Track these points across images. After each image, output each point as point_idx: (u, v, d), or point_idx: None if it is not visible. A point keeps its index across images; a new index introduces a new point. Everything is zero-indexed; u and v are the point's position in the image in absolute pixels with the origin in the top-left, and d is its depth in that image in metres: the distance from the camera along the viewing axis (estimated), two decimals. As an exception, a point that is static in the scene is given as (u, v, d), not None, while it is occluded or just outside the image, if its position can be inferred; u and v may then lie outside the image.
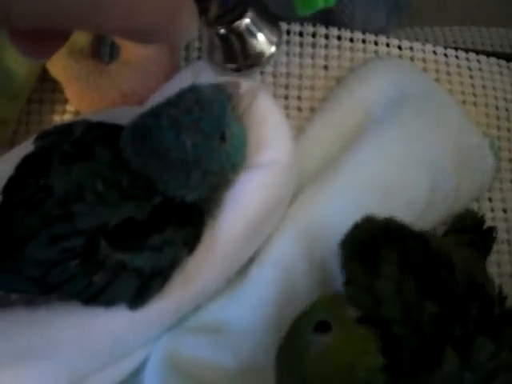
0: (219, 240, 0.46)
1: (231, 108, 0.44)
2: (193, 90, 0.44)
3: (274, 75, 0.57)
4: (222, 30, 0.46)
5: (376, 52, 0.58)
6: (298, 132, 0.54)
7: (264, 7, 0.47)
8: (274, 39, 0.48)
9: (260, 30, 0.47)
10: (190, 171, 0.42)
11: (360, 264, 0.41)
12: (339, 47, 0.58)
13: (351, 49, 0.58)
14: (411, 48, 0.60)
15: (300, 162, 0.50)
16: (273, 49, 0.48)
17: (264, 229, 0.47)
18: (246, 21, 0.46)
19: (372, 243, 0.42)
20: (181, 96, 0.44)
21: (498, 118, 0.59)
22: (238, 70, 0.48)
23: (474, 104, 0.59)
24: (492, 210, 0.56)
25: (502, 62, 0.62)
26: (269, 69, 0.56)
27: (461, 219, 0.52)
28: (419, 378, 0.36)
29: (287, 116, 0.53)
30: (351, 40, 0.58)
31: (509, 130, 0.60)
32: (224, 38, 0.47)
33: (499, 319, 0.39)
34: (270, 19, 0.48)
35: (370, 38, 0.59)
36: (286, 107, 0.56)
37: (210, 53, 0.49)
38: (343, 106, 0.55)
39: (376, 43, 0.59)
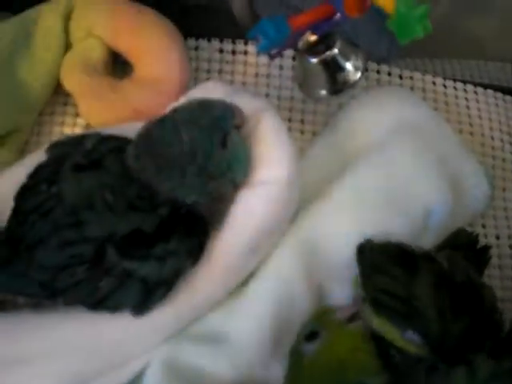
0: (222, 253, 0.47)
1: (234, 120, 0.46)
2: (200, 100, 0.46)
3: (279, 98, 0.59)
4: (314, 60, 0.50)
5: (378, 80, 0.61)
6: (300, 153, 0.56)
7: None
8: (360, 66, 0.51)
9: (347, 59, 0.51)
10: (185, 167, 0.44)
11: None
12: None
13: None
14: (411, 77, 0.62)
15: (301, 181, 0.52)
16: (358, 75, 0.52)
17: (266, 244, 0.49)
18: (335, 51, 0.51)
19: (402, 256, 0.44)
20: (187, 104, 0.46)
21: (493, 148, 0.62)
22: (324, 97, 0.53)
23: (471, 133, 0.61)
24: (485, 236, 0.58)
25: (498, 95, 0.64)
26: (274, 92, 0.58)
27: (455, 236, 0.54)
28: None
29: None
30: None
31: (503, 159, 0.62)
32: (314, 67, 0.51)
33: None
34: (356, 47, 0.51)
35: (373, 66, 0.61)
36: (289, 129, 0.58)
37: (301, 80, 0.53)
38: (344, 129, 0.57)
39: (378, 72, 0.61)
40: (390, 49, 0.66)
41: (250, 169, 0.49)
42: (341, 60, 0.51)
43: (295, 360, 0.43)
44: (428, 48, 0.68)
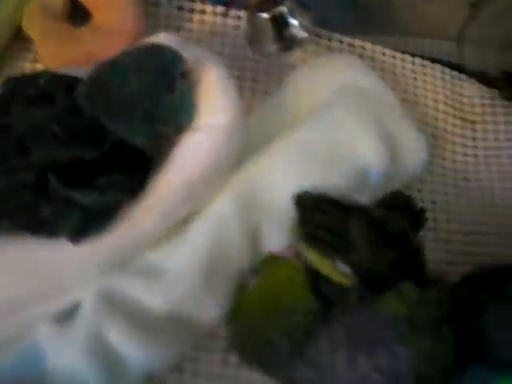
0: (163, 191, 0.50)
1: (181, 67, 0.49)
2: (149, 45, 0.48)
3: (233, 57, 0.61)
4: (262, 15, 0.53)
5: (328, 47, 0.63)
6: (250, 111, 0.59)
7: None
8: (307, 26, 0.54)
9: (295, 17, 0.54)
10: (133, 109, 0.46)
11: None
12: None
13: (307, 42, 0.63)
14: (362, 47, 0.65)
15: (246, 131, 0.54)
16: (305, 34, 0.56)
17: (206, 185, 0.51)
18: (283, 8, 0.54)
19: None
20: (136, 49, 0.49)
21: (435, 119, 0.64)
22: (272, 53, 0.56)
23: (415, 103, 0.64)
24: (422, 200, 0.61)
25: (446, 70, 0.68)
26: (228, 50, 0.61)
27: (392, 197, 0.56)
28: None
29: (240, 96, 0.57)
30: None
31: (445, 130, 0.64)
32: (263, 23, 0.54)
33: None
34: (305, 8, 0.54)
35: (325, 34, 0.64)
36: (241, 88, 0.60)
37: (250, 37, 0.57)
38: (294, 90, 0.60)
39: (329, 39, 0.64)
40: (343, 17, 0.69)
41: (195, 114, 0.51)
42: (289, 17, 0.53)
43: (238, 293, 0.45)
44: (383, 26, 0.71)
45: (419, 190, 0.61)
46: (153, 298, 0.49)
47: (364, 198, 0.56)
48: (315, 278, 0.42)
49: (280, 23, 0.54)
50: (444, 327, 0.39)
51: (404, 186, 0.59)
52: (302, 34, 0.55)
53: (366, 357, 0.38)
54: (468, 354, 0.43)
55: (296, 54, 0.62)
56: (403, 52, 0.66)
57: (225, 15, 0.61)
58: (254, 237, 0.52)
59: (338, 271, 0.41)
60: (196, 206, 0.52)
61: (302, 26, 0.54)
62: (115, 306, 0.48)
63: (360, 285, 0.41)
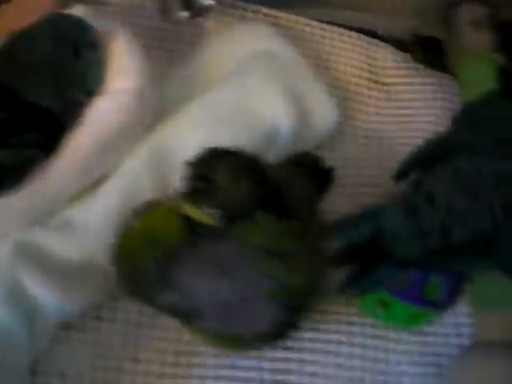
0: (75, 151, 0.54)
1: (89, 34, 0.53)
2: (58, 15, 0.52)
3: (148, 27, 0.65)
4: None
5: (243, 17, 0.67)
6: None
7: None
8: None
9: None
10: (42, 75, 0.51)
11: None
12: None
13: (222, 13, 0.67)
14: (275, 16, 0.70)
15: (158, 95, 0.58)
16: (211, 1, 0.60)
17: (114, 148, 0.55)
18: None
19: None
20: (45, 20, 0.53)
21: (348, 83, 0.68)
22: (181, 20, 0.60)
23: (331, 68, 0.68)
24: (333, 158, 0.64)
25: (362, 37, 0.71)
26: (144, 21, 0.65)
27: (301, 156, 0.60)
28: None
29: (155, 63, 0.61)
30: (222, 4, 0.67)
31: (359, 93, 0.68)
32: None
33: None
34: None
35: (239, 4, 0.68)
36: (158, 57, 0.64)
37: (160, 5, 0.61)
38: (207, 57, 0.64)
39: (245, 9, 0.68)
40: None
41: (104, 79, 0.55)
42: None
43: (122, 233, 0.49)
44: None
45: (331, 149, 0.64)
46: (66, 249, 0.53)
47: (273, 157, 0.60)
48: (189, 222, 0.46)
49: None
50: (300, 258, 0.44)
51: (314, 145, 0.63)
52: (209, 2, 0.59)
53: (225, 283, 0.43)
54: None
55: (210, 24, 0.65)
56: (320, 21, 0.70)
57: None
58: (165, 193, 0.56)
59: (205, 214, 0.45)
60: (108, 166, 0.56)
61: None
62: (31, 257, 0.52)
63: (225, 221, 0.45)
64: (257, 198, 0.45)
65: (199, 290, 0.43)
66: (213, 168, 0.47)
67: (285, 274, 0.44)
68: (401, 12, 0.70)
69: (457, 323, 0.58)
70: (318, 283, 0.48)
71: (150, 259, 0.43)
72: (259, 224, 0.44)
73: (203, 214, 0.45)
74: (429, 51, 0.69)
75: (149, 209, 0.47)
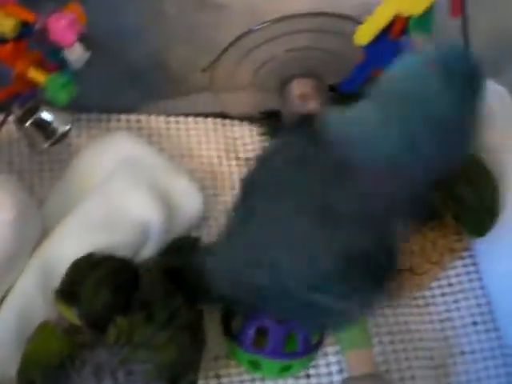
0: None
1: None
2: None
3: (24, 159, 0.73)
4: (26, 124, 0.66)
5: (108, 128, 0.76)
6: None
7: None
8: (67, 119, 0.68)
9: (53, 116, 0.67)
10: None
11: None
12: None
13: (88, 127, 0.75)
14: (138, 121, 0.78)
15: (38, 218, 0.65)
16: (67, 127, 0.68)
17: (4, 270, 0.62)
18: (40, 114, 0.66)
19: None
20: None
21: (211, 165, 0.77)
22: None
23: (190, 156, 0.76)
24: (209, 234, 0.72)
25: (218, 120, 0.80)
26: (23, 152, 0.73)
27: (175, 242, 0.68)
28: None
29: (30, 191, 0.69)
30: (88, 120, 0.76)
31: (222, 171, 0.77)
32: (29, 129, 0.67)
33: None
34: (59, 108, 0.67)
35: (103, 117, 0.77)
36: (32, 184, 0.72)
37: (27, 141, 0.68)
38: (79, 172, 0.72)
39: (108, 120, 0.77)
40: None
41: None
42: (47, 118, 0.65)
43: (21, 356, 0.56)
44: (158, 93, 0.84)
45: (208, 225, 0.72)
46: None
47: (150, 251, 0.68)
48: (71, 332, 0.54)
49: (42, 125, 0.66)
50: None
51: (187, 229, 0.71)
52: (64, 128, 0.67)
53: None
54: None
55: (79, 141, 0.74)
56: (177, 115, 0.79)
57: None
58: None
59: (75, 315, 0.53)
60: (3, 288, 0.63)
61: (61, 121, 0.67)
62: None
63: (89, 325, 0.53)
64: (118, 305, 0.53)
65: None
66: (77, 281, 0.55)
67: (154, 358, 0.52)
68: (246, 89, 0.78)
69: (327, 363, 0.66)
70: (191, 354, 0.55)
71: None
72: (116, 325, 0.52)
73: (74, 316, 0.53)
74: (272, 123, 0.78)
75: (37, 331, 0.54)
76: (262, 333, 0.60)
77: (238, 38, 0.70)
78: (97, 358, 0.51)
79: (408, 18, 0.65)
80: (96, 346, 0.52)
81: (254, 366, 0.60)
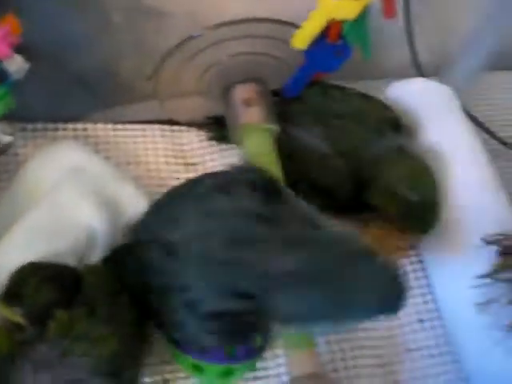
0: None
1: None
2: None
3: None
4: None
5: (55, 137, 0.76)
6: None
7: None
8: (9, 131, 0.68)
9: None
10: None
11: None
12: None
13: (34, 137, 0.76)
14: (84, 129, 0.78)
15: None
16: (10, 138, 0.69)
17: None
18: None
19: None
20: None
21: (159, 171, 0.77)
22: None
23: (137, 163, 0.77)
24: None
25: (166, 127, 0.81)
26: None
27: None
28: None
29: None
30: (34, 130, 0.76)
31: (168, 177, 0.77)
32: None
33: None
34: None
35: (50, 126, 0.77)
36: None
37: None
38: (26, 183, 0.72)
39: (56, 129, 0.77)
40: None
41: None
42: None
43: None
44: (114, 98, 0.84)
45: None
46: None
47: (95, 257, 0.69)
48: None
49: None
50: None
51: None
52: (7, 138, 0.68)
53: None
54: None
55: (25, 150, 0.74)
56: (123, 122, 0.79)
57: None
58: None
59: (17, 315, 0.53)
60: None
61: (3, 132, 0.67)
62: None
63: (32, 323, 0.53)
64: (60, 301, 0.53)
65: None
66: (20, 282, 0.55)
67: (94, 351, 0.52)
68: (192, 95, 0.79)
69: (277, 364, 0.67)
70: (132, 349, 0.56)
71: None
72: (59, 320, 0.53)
73: (17, 316, 0.53)
74: (219, 128, 0.78)
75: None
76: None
77: (180, 45, 0.70)
78: (37, 354, 0.51)
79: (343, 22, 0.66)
80: (36, 341, 0.52)
81: (197, 370, 0.61)
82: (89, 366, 0.52)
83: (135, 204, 0.72)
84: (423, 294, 0.74)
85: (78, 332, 0.53)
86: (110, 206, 0.70)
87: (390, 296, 0.53)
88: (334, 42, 0.68)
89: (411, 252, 0.77)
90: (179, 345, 0.61)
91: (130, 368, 0.56)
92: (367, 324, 0.71)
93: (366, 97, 0.75)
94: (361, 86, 0.79)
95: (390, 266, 0.53)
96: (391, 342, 0.71)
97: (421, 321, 0.73)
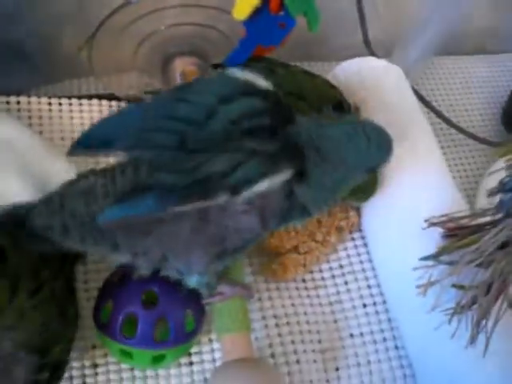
0: None
1: None
2: None
3: None
4: None
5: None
6: None
7: None
8: None
9: None
10: None
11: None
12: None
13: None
14: (18, 102, 0.74)
15: None
16: None
17: None
18: None
19: None
20: None
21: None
22: None
23: (72, 139, 0.73)
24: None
25: (104, 102, 0.77)
26: None
27: None
28: None
29: None
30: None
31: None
32: None
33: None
34: None
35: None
36: None
37: None
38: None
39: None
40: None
41: None
42: None
43: None
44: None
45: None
46: None
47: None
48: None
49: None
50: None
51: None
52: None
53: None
54: None
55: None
56: (60, 97, 0.75)
57: None
58: None
59: None
60: None
61: None
62: None
63: None
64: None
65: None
66: None
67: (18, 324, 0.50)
68: (129, 69, 0.75)
69: (212, 349, 0.64)
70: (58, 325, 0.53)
71: None
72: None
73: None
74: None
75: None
76: (131, 321, 0.56)
77: (114, 12, 0.67)
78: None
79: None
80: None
81: (126, 356, 0.57)
82: (14, 340, 0.50)
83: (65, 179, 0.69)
84: (367, 278, 0.72)
85: (1, 304, 0.50)
86: (38, 182, 0.66)
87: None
88: (276, 13, 0.65)
89: (356, 235, 0.74)
90: (108, 330, 0.57)
91: (56, 346, 0.53)
92: (307, 308, 0.68)
93: (310, 74, 0.72)
94: (317, 69, 0.76)
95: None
96: (333, 327, 0.69)
97: (364, 305, 0.70)
